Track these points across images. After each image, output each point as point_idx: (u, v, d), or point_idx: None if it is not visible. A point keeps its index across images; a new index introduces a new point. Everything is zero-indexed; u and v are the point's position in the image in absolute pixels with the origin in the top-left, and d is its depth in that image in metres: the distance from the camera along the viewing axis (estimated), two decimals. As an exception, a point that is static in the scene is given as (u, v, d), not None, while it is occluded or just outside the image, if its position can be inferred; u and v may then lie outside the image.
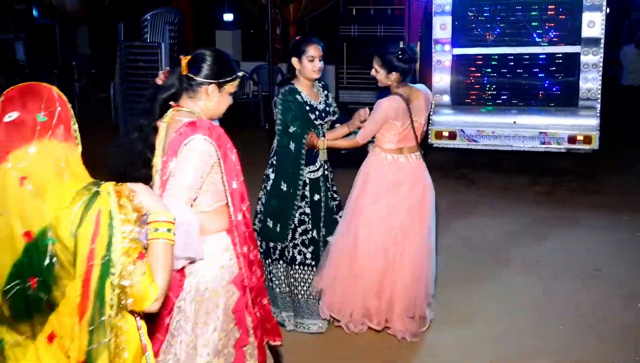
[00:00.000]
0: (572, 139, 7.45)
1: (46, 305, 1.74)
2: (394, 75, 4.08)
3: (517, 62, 7.87)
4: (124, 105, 7.68)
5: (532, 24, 7.77)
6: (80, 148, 1.85)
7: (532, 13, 7.75)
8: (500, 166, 8.68)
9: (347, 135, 4.24)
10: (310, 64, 4.01)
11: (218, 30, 15.76)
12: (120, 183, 1.81)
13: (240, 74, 2.74)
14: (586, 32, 7.47)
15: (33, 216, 1.71)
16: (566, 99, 7.73)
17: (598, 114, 7.42)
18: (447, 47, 7.73)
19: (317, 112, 4.13)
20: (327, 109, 4.21)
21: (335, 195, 4.35)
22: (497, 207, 7.07)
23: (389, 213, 4.10)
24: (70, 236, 1.71)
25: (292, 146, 4.05)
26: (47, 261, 1.71)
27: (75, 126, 1.84)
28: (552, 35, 7.72)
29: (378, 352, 4.02)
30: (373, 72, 4.17)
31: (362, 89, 13.89)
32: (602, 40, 7.42)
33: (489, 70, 8.00)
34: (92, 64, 14.25)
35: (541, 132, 7.57)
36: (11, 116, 1.74)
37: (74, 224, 1.70)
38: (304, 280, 4.18)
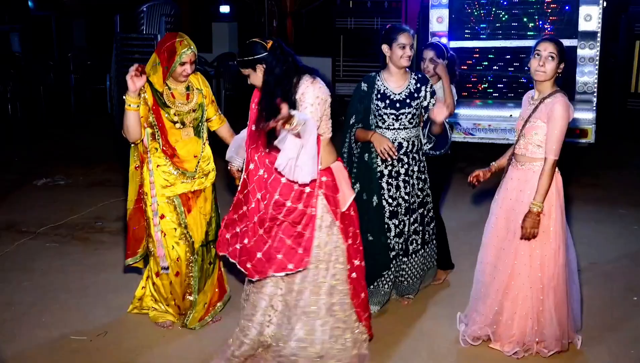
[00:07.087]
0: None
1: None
2: (562, 65, 3.73)
3: (514, 56, 7.87)
4: (120, 96, 7.68)
5: (529, 17, 7.77)
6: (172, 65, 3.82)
7: (529, 6, 7.75)
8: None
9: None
10: (400, 51, 4.14)
11: (214, 22, 15.71)
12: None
13: None
14: (583, 25, 7.47)
15: None
16: (563, 92, 7.73)
17: (594, 108, 7.43)
18: (444, 40, 7.72)
19: (387, 101, 4.25)
20: (407, 100, 4.24)
21: (419, 192, 4.45)
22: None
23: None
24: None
25: (346, 137, 4.40)
26: None
27: (176, 60, 3.77)
28: (549, 29, 7.72)
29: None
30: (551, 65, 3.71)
31: (359, 81, 13.91)
32: (599, 34, 7.43)
33: (486, 63, 8.00)
34: (88, 56, 14.22)
35: (537, 126, 7.57)
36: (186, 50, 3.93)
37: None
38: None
